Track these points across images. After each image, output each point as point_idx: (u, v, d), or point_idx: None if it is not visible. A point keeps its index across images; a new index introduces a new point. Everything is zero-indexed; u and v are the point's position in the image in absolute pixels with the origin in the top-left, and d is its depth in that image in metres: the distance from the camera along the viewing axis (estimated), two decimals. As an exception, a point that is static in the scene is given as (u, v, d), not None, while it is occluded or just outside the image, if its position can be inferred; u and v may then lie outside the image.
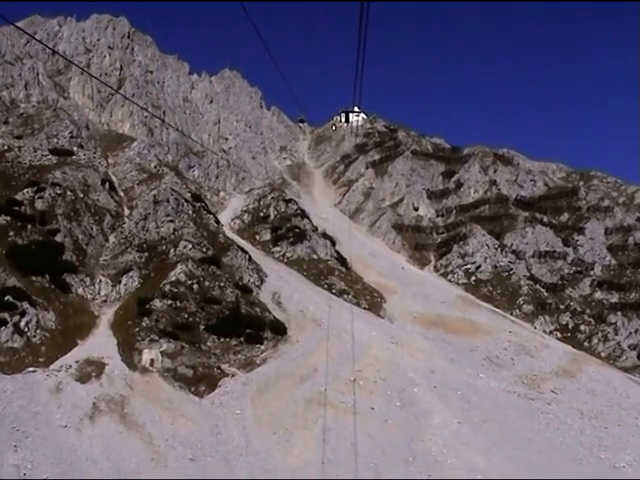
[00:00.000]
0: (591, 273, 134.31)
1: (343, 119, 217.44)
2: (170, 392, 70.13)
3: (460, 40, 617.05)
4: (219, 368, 76.22)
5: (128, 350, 75.39)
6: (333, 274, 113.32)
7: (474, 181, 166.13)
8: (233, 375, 75.76)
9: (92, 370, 70.63)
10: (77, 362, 71.56)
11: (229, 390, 72.87)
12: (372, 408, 70.88)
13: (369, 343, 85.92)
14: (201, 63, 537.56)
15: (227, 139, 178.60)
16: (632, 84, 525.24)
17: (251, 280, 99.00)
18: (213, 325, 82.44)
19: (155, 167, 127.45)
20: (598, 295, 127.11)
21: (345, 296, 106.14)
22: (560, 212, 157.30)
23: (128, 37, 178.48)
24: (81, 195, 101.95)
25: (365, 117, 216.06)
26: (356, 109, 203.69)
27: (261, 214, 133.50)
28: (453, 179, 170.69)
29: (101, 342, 77.19)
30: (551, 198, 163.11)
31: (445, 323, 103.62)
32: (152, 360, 73.86)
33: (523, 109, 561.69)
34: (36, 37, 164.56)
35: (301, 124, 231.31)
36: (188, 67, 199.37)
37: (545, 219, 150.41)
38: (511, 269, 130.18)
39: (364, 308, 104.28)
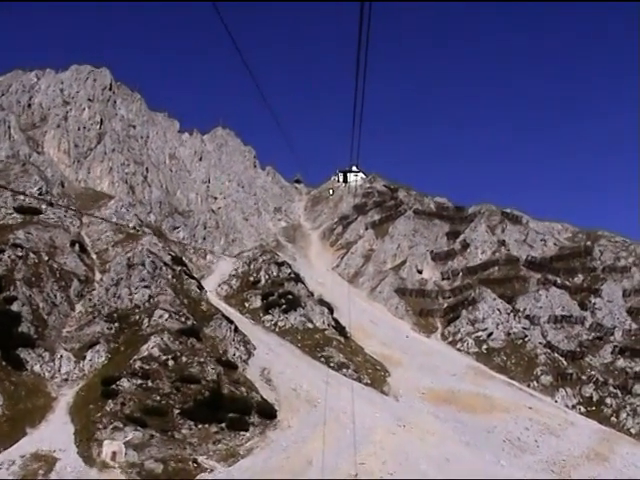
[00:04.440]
0: (611, 339, 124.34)
1: (341, 179, 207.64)
2: (134, 494, 58.40)
3: (456, 100, 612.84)
4: (195, 461, 65.02)
5: (86, 441, 64.30)
6: (331, 345, 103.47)
7: (481, 241, 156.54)
8: (212, 470, 64.41)
9: (40, 467, 59.43)
10: (22, 457, 60.59)
11: (206, 489, 61.16)
12: (378, 515, 59.11)
13: (372, 427, 75.39)
14: (193, 123, 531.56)
15: (216, 198, 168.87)
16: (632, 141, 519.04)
17: (237, 354, 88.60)
18: (190, 409, 71.93)
19: (134, 227, 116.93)
20: (620, 363, 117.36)
21: (344, 370, 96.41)
22: (574, 273, 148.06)
23: (110, 89, 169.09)
24: (46, 258, 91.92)
25: (364, 177, 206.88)
26: (354, 168, 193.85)
27: (251, 279, 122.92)
28: (459, 239, 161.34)
29: (55, 431, 66.17)
30: (563, 258, 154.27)
31: (457, 399, 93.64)
32: (114, 453, 62.66)
33: (521, 169, 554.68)
34: (11, 89, 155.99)
35: (297, 185, 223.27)
36: (178, 125, 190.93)
37: (559, 281, 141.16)
38: (526, 336, 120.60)
39: (366, 384, 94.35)
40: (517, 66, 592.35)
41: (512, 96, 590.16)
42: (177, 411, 70.76)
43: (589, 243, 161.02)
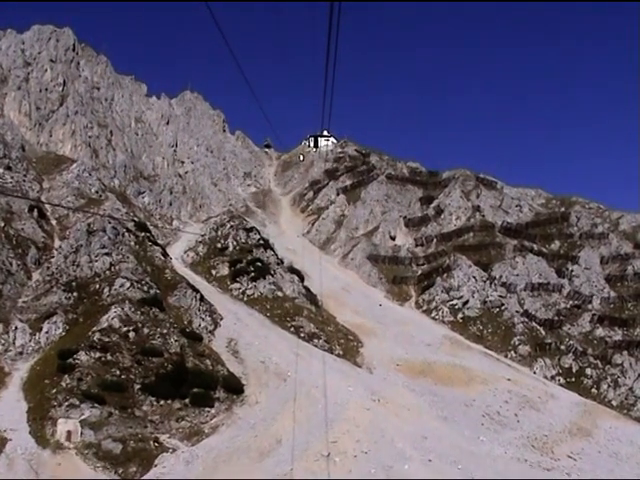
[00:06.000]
0: (589, 307, 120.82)
1: (312, 144, 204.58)
2: (90, 477, 54.17)
3: (430, 63, 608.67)
4: (156, 441, 60.88)
5: (39, 419, 60.08)
6: (301, 314, 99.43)
7: (456, 207, 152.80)
8: (174, 450, 60.32)
9: (-12, 449, 54.62)
10: (-30, 438, 55.71)
11: (167, 471, 57.51)
12: (352, 496, 55.28)
13: (345, 402, 71.37)
14: (161, 87, 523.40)
15: (183, 163, 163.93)
16: (601, 98, 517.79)
17: (202, 325, 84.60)
18: (151, 384, 67.69)
19: (97, 192, 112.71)
20: (599, 332, 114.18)
21: (315, 341, 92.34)
22: (550, 240, 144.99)
23: (73, 50, 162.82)
24: (2, 224, 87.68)
25: (335, 141, 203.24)
26: (325, 133, 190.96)
27: (218, 245, 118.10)
28: (432, 205, 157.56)
29: (7, 409, 61.81)
30: (539, 225, 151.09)
31: (433, 371, 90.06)
32: (69, 433, 58.51)
33: (492, 135, 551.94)
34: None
35: (267, 149, 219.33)
36: (146, 89, 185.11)
37: (535, 247, 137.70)
38: (502, 304, 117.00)
39: (338, 355, 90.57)
40: (493, 31, 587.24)
41: (487, 61, 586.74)
42: (138, 386, 66.53)
43: (564, 209, 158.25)
